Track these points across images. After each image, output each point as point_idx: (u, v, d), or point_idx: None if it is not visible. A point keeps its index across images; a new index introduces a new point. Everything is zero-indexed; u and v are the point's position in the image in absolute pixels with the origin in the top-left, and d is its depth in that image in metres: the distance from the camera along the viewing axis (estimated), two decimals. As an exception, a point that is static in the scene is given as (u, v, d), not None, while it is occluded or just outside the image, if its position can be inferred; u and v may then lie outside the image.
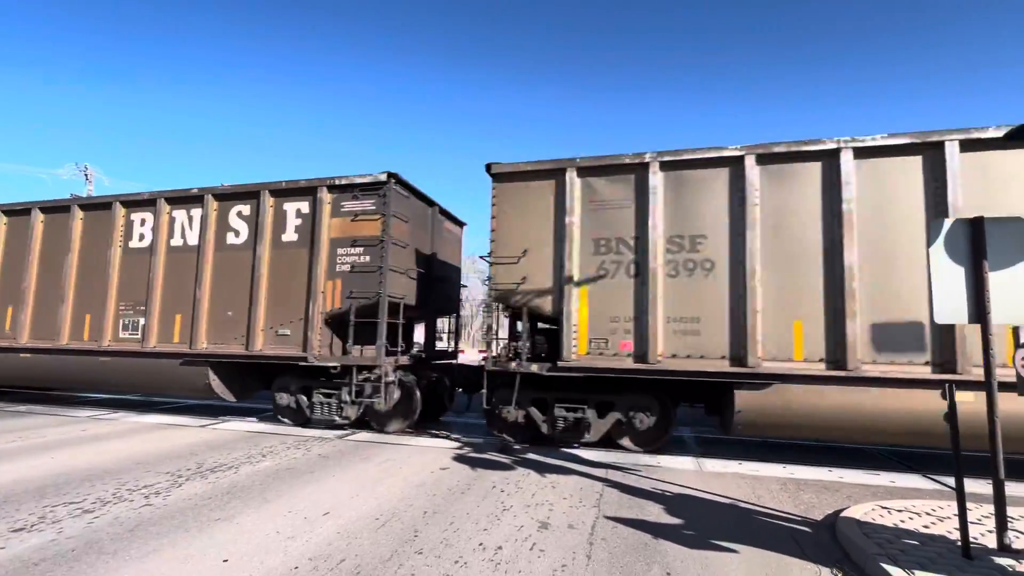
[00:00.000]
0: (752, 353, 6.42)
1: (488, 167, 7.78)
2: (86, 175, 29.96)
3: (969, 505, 4.20)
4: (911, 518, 4.47)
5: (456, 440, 7.98)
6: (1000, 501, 3.72)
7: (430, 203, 9.92)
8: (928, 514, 4.58)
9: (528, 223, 7.50)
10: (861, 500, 5.16)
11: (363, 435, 8.21)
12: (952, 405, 3.65)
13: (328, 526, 4.31)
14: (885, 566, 3.44)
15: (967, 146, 6.10)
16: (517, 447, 7.51)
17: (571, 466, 6.46)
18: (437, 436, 8.30)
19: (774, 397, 6.37)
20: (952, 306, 3.72)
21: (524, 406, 7.51)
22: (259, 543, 3.95)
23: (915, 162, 6.29)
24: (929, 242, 3.75)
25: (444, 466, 6.33)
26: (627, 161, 7.15)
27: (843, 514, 4.54)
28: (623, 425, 7.28)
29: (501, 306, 7.87)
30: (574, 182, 7.33)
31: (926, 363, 6.04)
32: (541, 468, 6.32)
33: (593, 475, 6.05)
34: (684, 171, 6.99)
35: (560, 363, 7.15)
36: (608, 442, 7.42)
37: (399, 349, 8.41)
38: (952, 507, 4.59)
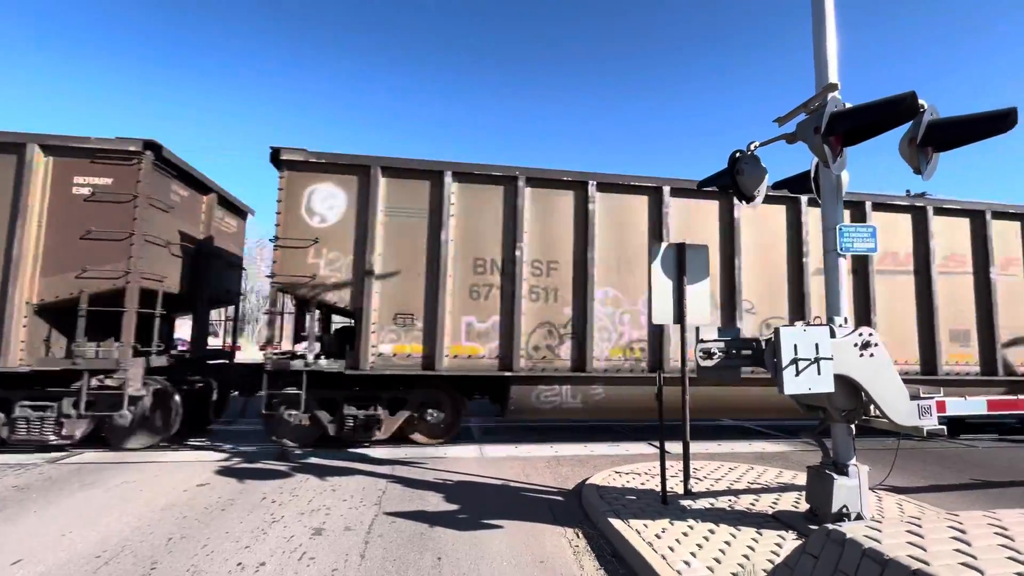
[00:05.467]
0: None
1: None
2: None
3: (670, 463, 5.49)
4: (635, 478, 5.60)
5: (223, 451, 7.02)
6: (686, 458, 4.94)
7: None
8: (646, 473, 5.81)
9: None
10: (603, 468, 6.25)
11: (90, 455, 6.59)
12: (660, 389, 4.71)
13: (18, 578, 3.36)
14: (610, 520, 4.25)
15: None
16: (299, 452, 6.98)
17: (356, 466, 6.29)
18: (199, 449, 7.17)
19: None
20: (664, 311, 4.81)
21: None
22: None
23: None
24: (650, 260, 4.77)
25: (203, 482, 5.51)
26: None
27: (588, 482, 5.45)
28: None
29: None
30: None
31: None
32: (323, 472, 6.00)
33: (378, 473, 6.00)
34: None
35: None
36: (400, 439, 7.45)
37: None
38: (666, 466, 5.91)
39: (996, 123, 3.45)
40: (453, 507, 4.87)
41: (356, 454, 6.92)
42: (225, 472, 5.92)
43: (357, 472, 6.02)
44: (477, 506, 4.89)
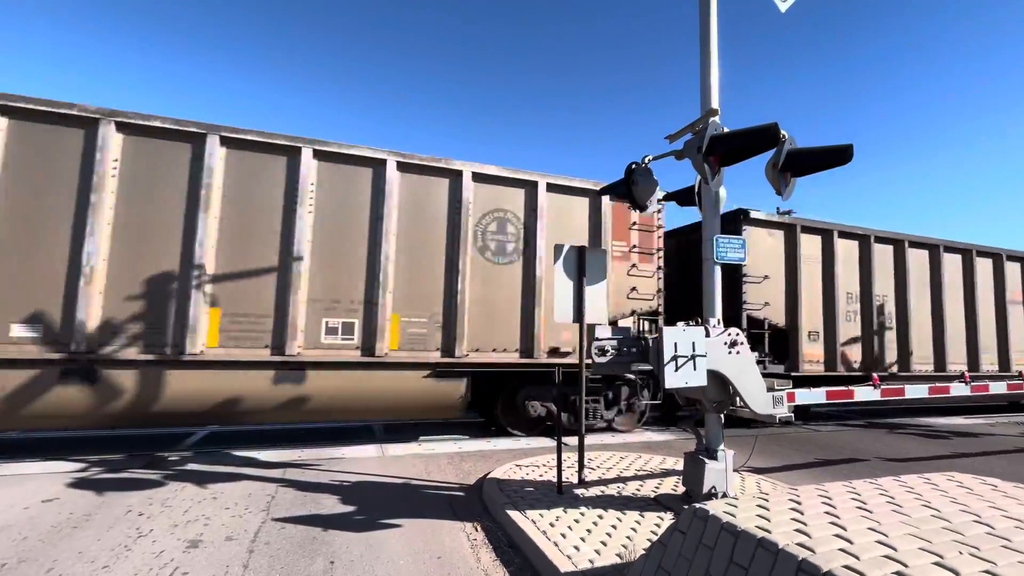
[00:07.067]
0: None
1: None
2: None
3: (568, 454, 5.77)
4: (534, 470, 5.81)
5: (78, 461, 6.15)
6: (581, 450, 5.23)
7: None
8: (544, 465, 6.04)
9: None
10: (504, 462, 6.40)
11: None
12: (559, 379, 4.93)
13: None
14: (508, 511, 4.37)
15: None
16: (175, 458, 6.32)
17: (242, 471, 5.84)
18: (47, 459, 6.21)
19: None
20: (565, 309, 5.04)
21: None
22: None
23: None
24: (554, 261, 4.97)
25: (50, 497, 4.79)
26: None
27: (489, 476, 5.56)
28: None
29: None
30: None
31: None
32: (203, 479, 5.50)
33: (267, 477, 5.63)
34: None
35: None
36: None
37: None
38: (564, 458, 6.19)
39: (838, 155, 4.06)
40: (349, 508, 4.71)
41: (242, 457, 6.42)
42: (80, 484, 5.20)
43: (243, 477, 5.60)
44: (375, 506, 4.78)
